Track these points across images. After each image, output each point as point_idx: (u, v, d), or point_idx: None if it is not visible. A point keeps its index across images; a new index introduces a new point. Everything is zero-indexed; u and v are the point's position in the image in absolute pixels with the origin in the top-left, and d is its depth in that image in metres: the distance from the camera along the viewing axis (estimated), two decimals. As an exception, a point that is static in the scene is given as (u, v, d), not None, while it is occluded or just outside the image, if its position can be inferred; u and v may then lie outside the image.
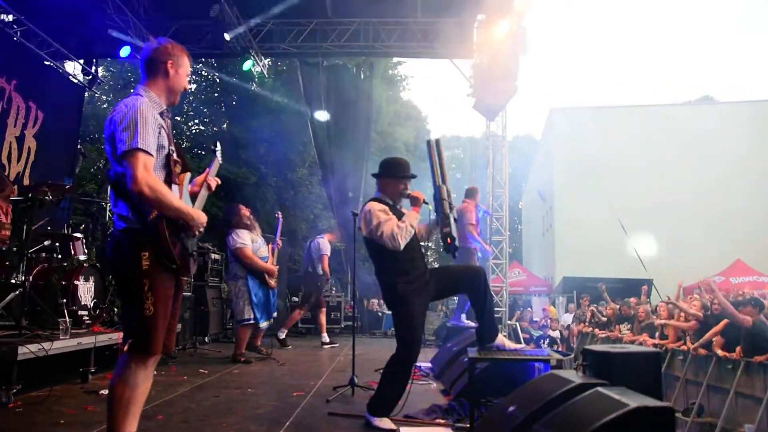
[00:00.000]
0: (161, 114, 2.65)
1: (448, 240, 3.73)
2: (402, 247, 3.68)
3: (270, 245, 7.11)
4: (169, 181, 2.64)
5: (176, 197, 2.60)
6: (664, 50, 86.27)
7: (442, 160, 3.93)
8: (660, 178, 23.64)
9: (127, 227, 2.57)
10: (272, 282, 6.84)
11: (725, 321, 7.67)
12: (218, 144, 3.27)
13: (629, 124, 25.10)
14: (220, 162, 3.20)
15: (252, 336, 7.00)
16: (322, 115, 12.03)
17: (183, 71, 2.76)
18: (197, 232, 2.72)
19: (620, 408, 2.21)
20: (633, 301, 11.29)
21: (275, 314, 7.16)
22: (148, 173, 2.45)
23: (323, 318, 9.16)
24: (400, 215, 3.86)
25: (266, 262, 6.83)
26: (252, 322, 6.62)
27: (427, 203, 3.90)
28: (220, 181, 3.18)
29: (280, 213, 8.08)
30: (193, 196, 2.93)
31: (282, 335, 8.50)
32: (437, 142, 3.99)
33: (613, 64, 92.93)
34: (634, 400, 2.26)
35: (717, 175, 23.07)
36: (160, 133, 2.59)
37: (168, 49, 2.73)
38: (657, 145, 24.01)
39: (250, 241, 6.70)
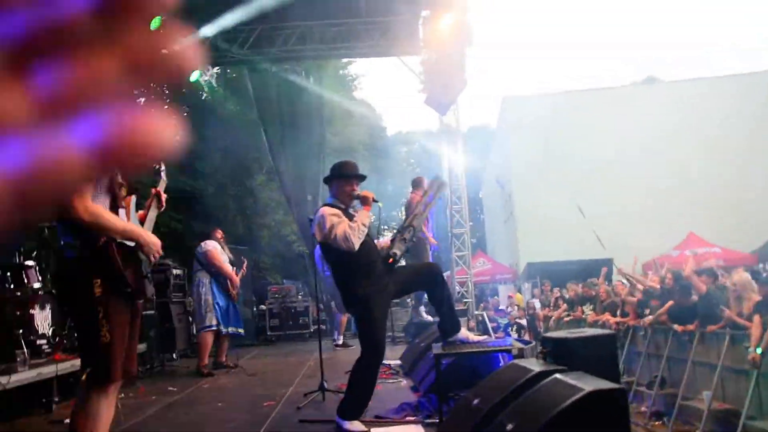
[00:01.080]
0: None
1: (390, 260, 3.87)
2: (357, 247, 3.70)
3: (236, 268, 7.33)
4: (114, 206, 2.61)
5: (119, 220, 2.57)
6: (606, 32, 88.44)
7: (432, 201, 4.13)
8: (613, 159, 24.23)
9: (75, 256, 2.54)
10: (234, 292, 6.98)
11: (670, 303, 8.02)
12: (162, 164, 3.24)
13: (581, 108, 25.62)
14: (166, 182, 3.17)
15: (217, 352, 7.05)
16: (275, 130, 12.02)
17: None
18: (152, 258, 2.68)
19: (576, 393, 2.30)
20: (594, 282, 11.59)
21: (242, 329, 7.30)
22: (86, 200, 2.41)
23: (343, 319, 9.17)
24: (352, 218, 3.89)
25: (225, 280, 7.01)
26: (215, 328, 6.73)
27: (376, 201, 3.94)
28: (165, 198, 3.14)
29: (245, 264, 8.17)
30: (142, 221, 2.91)
31: (339, 341, 8.89)
32: (441, 185, 4.23)
33: (560, 49, 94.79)
34: (589, 385, 2.36)
35: (668, 152, 23.80)
36: None
37: None
38: (609, 126, 24.60)
39: (218, 248, 6.99)
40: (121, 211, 2.64)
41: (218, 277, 6.91)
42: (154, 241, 2.67)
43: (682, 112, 24.37)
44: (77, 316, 2.63)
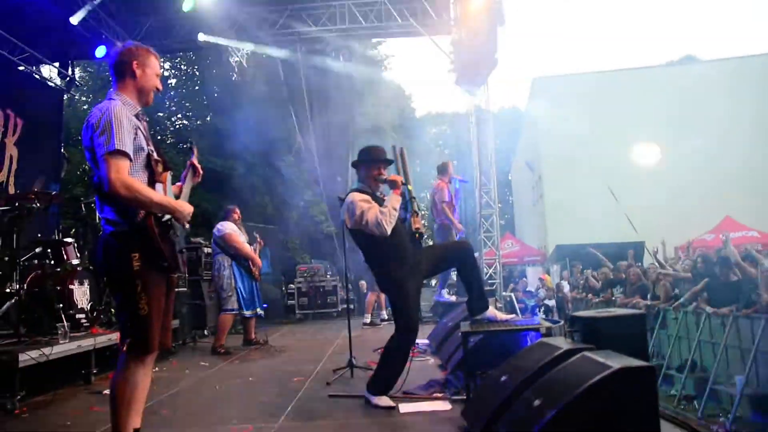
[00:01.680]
0: (137, 116, 2.68)
1: (417, 236, 3.90)
2: (389, 232, 3.73)
3: (253, 245, 7.29)
4: (153, 181, 2.68)
5: (156, 193, 2.63)
6: (642, 11, 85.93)
7: (405, 165, 4.05)
8: (647, 140, 23.72)
9: (115, 230, 2.61)
10: (256, 271, 7.03)
11: (705, 280, 7.86)
12: (192, 141, 3.30)
13: (613, 89, 25.09)
14: (198, 158, 3.20)
15: (246, 330, 7.16)
16: (305, 111, 12.03)
17: (150, 71, 2.77)
18: (185, 224, 2.76)
19: (604, 370, 2.30)
20: (623, 265, 11.44)
21: (265, 306, 7.34)
22: (123, 174, 2.49)
23: (371, 298, 9.18)
24: (381, 202, 3.91)
25: (247, 263, 7.02)
26: (235, 312, 6.82)
27: (405, 184, 3.95)
28: (201, 170, 3.19)
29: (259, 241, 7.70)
30: (177, 195, 2.97)
31: (367, 319, 8.88)
32: (402, 150, 4.09)
33: (593, 28, 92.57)
34: (617, 362, 2.35)
35: (705, 134, 23.18)
36: (137, 134, 2.62)
37: (132, 50, 2.75)
38: (642, 107, 24.04)
39: (236, 230, 6.95)
40: (159, 186, 2.71)
41: (239, 259, 6.88)
42: (188, 209, 2.76)
43: (720, 92, 23.63)
44: (116, 289, 2.71)
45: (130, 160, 2.55)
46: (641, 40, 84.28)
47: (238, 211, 7.23)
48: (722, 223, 18.25)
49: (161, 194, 2.66)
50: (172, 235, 2.72)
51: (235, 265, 6.86)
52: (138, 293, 2.56)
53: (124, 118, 2.55)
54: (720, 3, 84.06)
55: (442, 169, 8.08)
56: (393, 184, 3.89)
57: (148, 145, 2.69)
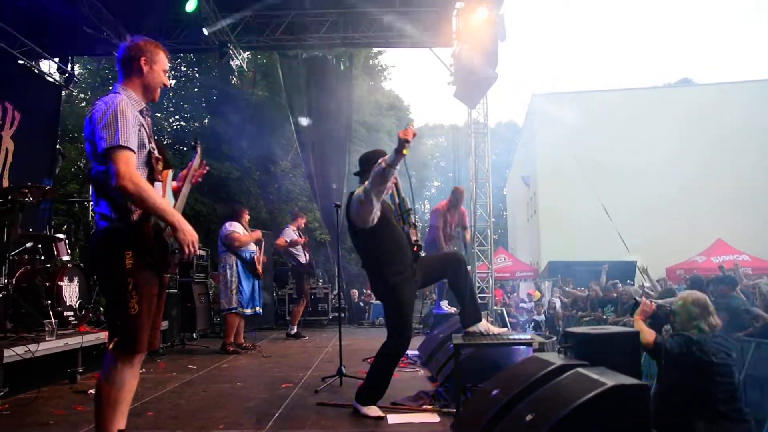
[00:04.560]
0: (141, 112, 2.65)
1: (415, 248, 3.89)
2: (388, 182, 3.58)
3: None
4: (152, 178, 2.63)
5: (159, 196, 2.59)
6: (643, 33, 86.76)
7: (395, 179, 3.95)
8: (642, 161, 23.86)
9: (109, 227, 2.58)
10: (260, 268, 7.17)
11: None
12: (198, 140, 3.28)
13: (611, 108, 25.28)
14: (201, 158, 3.20)
15: (235, 333, 7.15)
16: (303, 117, 12.05)
17: (158, 67, 2.74)
18: (186, 249, 2.58)
19: (598, 387, 2.28)
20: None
21: (260, 308, 7.38)
22: (131, 169, 2.45)
23: (297, 309, 9.10)
24: (387, 206, 3.90)
25: (254, 258, 7.07)
26: (236, 311, 6.91)
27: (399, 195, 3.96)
28: (205, 170, 3.19)
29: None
30: (176, 193, 2.94)
31: (292, 331, 8.82)
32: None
33: (593, 48, 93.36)
34: (611, 379, 2.33)
35: (699, 156, 23.35)
36: (140, 131, 2.59)
37: (140, 45, 2.72)
38: (639, 128, 24.23)
39: (242, 231, 7.10)
40: (158, 185, 2.66)
41: (243, 258, 7.02)
42: (191, 233, 2.59)
43: (715, 116, 23.84)
44: (107, 286, 2.67)
45: (134, 153, 2.51)
46: (640, 62, 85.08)
47: (247, 214, 7.44)
48: (714, 245, 18.35)
49: (164, 201, 2.60)
50: (165, 236, 2.67)
51: (239, 263, 6.97)
52: (129, 291, 2.51)
53: (129, 114, 2.52)
54: (717, 29, 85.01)
55: (455, 197, 8.06)
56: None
57: (150, 142, 2.66)
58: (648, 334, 3.71)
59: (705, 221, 21.67)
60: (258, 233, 7.34)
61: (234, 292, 6.93)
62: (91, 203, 7.59)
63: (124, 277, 2.52)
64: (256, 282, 7.20)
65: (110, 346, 2.58)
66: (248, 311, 7.07)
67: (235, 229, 7.03)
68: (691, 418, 3.46)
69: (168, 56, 2.84)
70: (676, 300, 3.94)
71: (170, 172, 2.81)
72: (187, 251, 2.57)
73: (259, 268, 7.16)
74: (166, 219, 2.54)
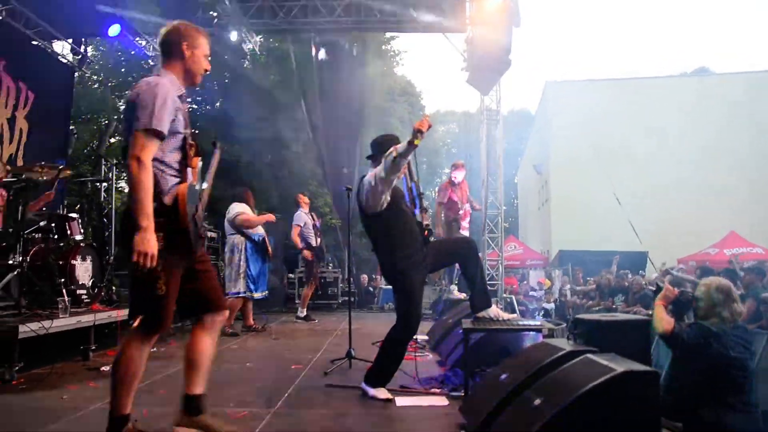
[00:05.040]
0: (180, 97, 2.66)
1: (426, 233, 3.87)
2: (400, 168, 3.63)
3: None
4: (184, 164, 2.67)
5: (150, 195, 2.49)
6: (660, 21, 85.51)
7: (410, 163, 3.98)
8: (656, 151, 23.64)
9: None
10: (270, 250, 7.24)
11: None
12: (217, 141, 3.29)
13: (625, 97, 25.00)
14: (220, 158, 3.19)
15: (244, 316, 7.18)
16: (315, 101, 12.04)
17: (199, 52, 2.75)
18: (137, 259, 2.46)
19: (608, 372, 2.28)
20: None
21: (266, 291, 7.39)
22: (144, 155, 2.46)
23: (306, 292, 9.14)
24: (398, 191, 3.90)
25: (264, 240, 7.10)
26: (243, 295, 6.86)
27: (414, 180, 3.94)
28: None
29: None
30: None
31: (302, 314, 8.78)
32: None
33: (609, 35, 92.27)
34: (621, 365, 2.33)
35: (713, 147, 23.10)
36: (176, 116, 2.60)
37: (180, 30, 2.72)
38: (653, 117, 23.96)
39: (248, 211, 7.07)
40: (189, 170, 2.69)
41: (255, 240, 6.99)
42: (151, 245, 2.45)
43: (731, 106, 23.53)
44: (136, 265, 2.71)
45: (162, 139, 2.54)
46: (656, 50, 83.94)
47: (251, 194, 7.37)
48: (727, 237, 18.18)
49: (151, 207, 2.48)
50: (196, 218, 2.70)
51: (249, 246, 6.90)
52: (157, 272, 2.53)
53: (168, 98, 2.54)
54: (735, 18, 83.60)
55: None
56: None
57: (185, 128, 2.68)
58: (666, 322, 3.67)
59: (718, 213, 21.47)
60: (270, 216, 7.33)
61: (242, 275, 6.89)
62: (104, 184, 7.66)
63: None
64: (265, 265, 7.19)
65: (135, 324, 2.62)
66: (257, 295, 7.06)
67: (244, 210, 7.00)
68: (701, 408, 3.45)
69: (209, 40, 2.83)
70: (699, 286, 3.89)
71: (199, 161, 2.83)
72: (136, 258, 2.42)
73: (269, 248, 7.17)
74: (140, 218, 2.44)
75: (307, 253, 8.68)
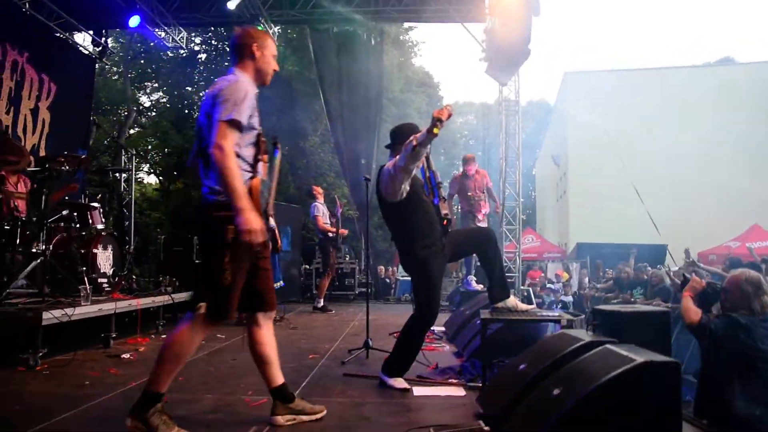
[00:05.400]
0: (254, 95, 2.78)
1: (445, 222, 3.87)
2: (419, 157, 3.63)
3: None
4: (257, 159, 2.78)
5: (241, 179, 2.62)
6: (682, 10, 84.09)
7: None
8: (677, 142, 23.29)
9: (217, 200, 2.67)
10: (279, 242, 7.21)
11: None
12: (278, 139, 3.38)
13: (645, 87, 24.65)
14: (279, 158, 3.34)
15: None
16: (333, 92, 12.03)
17: (268, 52, 2.91)
18: (250, 239, 2.57)
19: (628, 363, 2.25)
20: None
21: (282, 282, 7.42)
22: (227, 143, 2.55)
23: (323, 282, 9.19)
24: (417, 180, 3.88)
25: (274, 230, 7.16)
26: None
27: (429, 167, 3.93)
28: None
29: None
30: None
31: (319, 304, 8.84)
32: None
33: (629, 25, 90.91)
34: (641, 356, 2.30)
35: (736, 139, 22.70)
36: (252, 114, 2.72)
37: (251, 33, 2.91)
38: (673, 108, 23.60)
39: None
40: (260, 165, 2.80)
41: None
42: (255, 221, 2.57)
43: (755, 96, 23.06)
44: (206, 254, 2.81)
45: (242, 131, 2.65)
46: (678, 40, 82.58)
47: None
48: (750, 230, 17.89)
49: (244, 188, 2.61)
50: (266, 213, 2.81)
51: None
52: (225, 263, 2.62)
53: (249, 93, 2.68)
54: (758, 4, 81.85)
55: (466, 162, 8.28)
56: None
57: (259, 125, 2.80)
58: (694, 313, 3.62)
59: (740, 206, 21.12)
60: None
61: None
62: (123, 174, 7.73)
63: (223, 249, 2.62)
64: (276, 256, 7.22)
65: (201, 311, 2.69)
66: (275, 285, 7.13)
67: None
68: (729, 402, 3.41)
69: (275, 43, 3.03)
70: (728, 278, 3.84)
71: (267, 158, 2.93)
72: (245, 238, 2.55)
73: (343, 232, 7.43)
74: (237, 201, 2.55)
75: (342, 230, 8.99)
